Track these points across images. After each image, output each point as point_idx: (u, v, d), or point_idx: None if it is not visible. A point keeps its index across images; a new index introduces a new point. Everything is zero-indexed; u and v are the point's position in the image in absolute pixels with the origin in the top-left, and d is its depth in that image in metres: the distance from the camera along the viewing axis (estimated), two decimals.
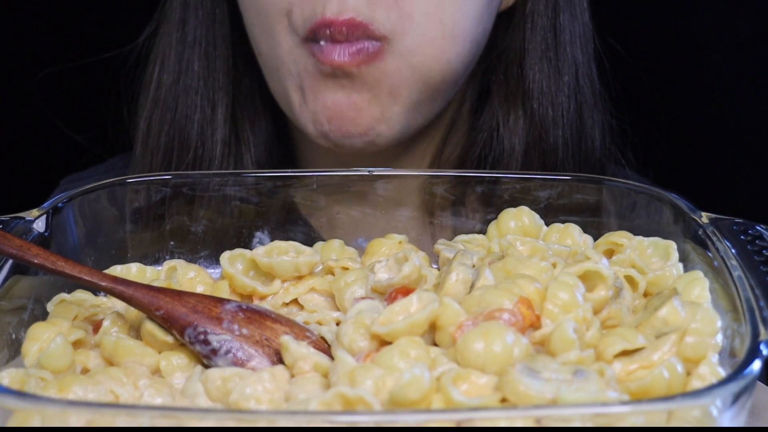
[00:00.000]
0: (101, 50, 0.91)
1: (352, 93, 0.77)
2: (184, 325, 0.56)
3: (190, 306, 0.57)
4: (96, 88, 0.92)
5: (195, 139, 0.86)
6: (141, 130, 0.89)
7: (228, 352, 0.55)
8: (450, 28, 0.77)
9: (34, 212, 0.64)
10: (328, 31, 0.75)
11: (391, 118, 0.79)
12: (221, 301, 0.58)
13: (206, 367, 0.55)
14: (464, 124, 0.89)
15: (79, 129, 0.95)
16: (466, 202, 0.75)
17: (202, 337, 0.56)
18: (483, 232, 0.68)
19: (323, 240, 0.69)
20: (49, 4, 1.22)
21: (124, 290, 0.57)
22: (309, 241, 0.67)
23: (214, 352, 0.55)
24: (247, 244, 0.73)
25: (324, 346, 0.57)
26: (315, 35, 0.76)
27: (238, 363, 0.55)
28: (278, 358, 0.55)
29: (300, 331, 0.57)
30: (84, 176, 0.99)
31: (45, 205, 0.65)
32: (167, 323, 0.56)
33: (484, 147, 0.86)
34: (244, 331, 0.56)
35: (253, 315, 0.57)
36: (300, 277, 0.63)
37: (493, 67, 0.86)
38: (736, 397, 0.47)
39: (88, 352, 0.58)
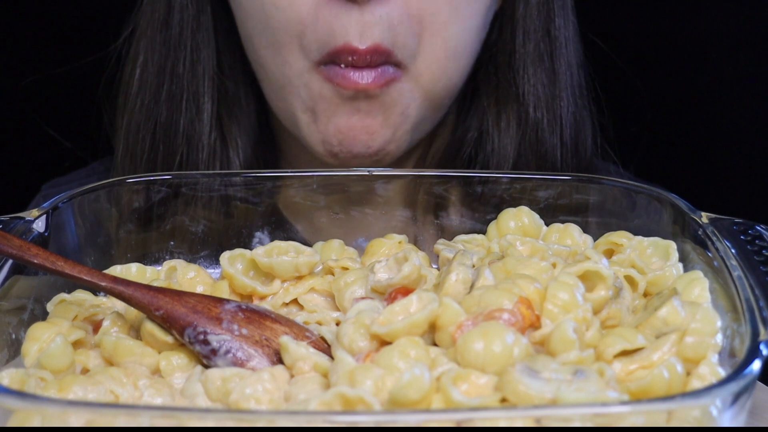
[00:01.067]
0: (82, 54, 0.91)
1: (367, 117, 0.78)
2: (183, 325, 0.56)
3: (189, 306, 0.57)
4: (77, 92, 0.91)
5: (180, 143, 0.85)
6: (123, 134, 0.87)
7: (228, 352, 0.55)
8: (453, 46, 0.78)
9: (34, 212, 0.64)
10: (350, 58, 0.75)
11: (400, 138, 0.80)
12: (221, 301, 0.58)
13: (206, 367, 0.55)
14: (450, 124, 0.89)
15: (60, 133, 0.95)
16: (465, 202, 0.75)
17: (201, 337, 0.56)
18: (483, 232, 0.68)
19: (323, 240, 0.69)
20: (26, 9, 1.22)
21: (123, 290, 0.57)
22: (308, 241, 0.67)
23: (214, 352, 0.55)
24: (247, 244, 0.73)
25: (324, 346, 0.57)
26: (333, 60, 0.76)
27: (238, 363, 0.55)
28: (278, 358, 0.55)
29: (299, 331, 0.57)
30: (65, 181, 0.98)
31: (45, 205, 0.65)
32: (167, 323, 0.56)
33: (473, 146, 0.86)
34: (244, 331, 0.56)
35: (252, 315, 0.57)
36: (300, 277, 0.63)
37: (483, 68, 0.86)
38: (736, 397, 0.47)
39: (88, 352, 0.58)
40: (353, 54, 0.75)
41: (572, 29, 0.86)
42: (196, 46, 0.85)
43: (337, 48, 0.75)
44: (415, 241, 0.75)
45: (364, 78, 0.75)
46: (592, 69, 0.89)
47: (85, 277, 0.57)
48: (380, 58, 0.75)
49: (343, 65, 0.76)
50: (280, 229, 0.75)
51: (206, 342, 0.55)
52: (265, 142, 0.90)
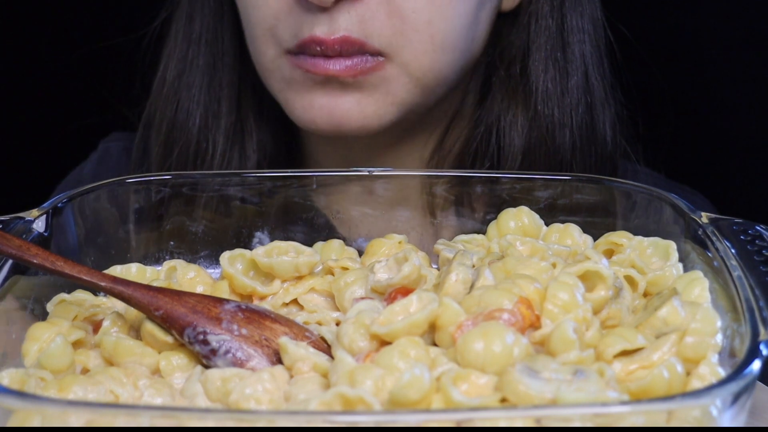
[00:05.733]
0: (104, 38, 0.92)
1: (342, 96, 0.78)
2: (183, 325, 0.56)
3: (189, 306, 0.57)
4: (99, 79, 0.92)
5: (196, 133, 0.87)
6: (142, 122, 0.90)
7: (227, 352, 0.55)
8: (440, 41, 0.78)
9: (34, 212, 0.64)
10: (318, 48, 0.76)
11: (383, 115, 0.80)
12: (220, 301, 0.58)
13: (206, 367, 0.55)
14: (467, 117, 0.89)
15: (80, 118, 0.95)
16: (466, 202, 0.75)
17: (201, 337, 0.56)
18: (483, 232, 0.68)
19: (323, 240, 0.69)
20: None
21: (123, 290, 0.57)
22: (309, 241, 0.67)
23: (214, 352, 0.55)
24: (247, 244, 0.73)
25: (324, 346, 0.57)
26: (303, 50, 0.77)
27: (238, 363, 0.55)
28: (277, 358, 0.55)
29: (299, 331, 0.57)
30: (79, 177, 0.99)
31: (45, 205, 0.65)
32: (166, 323, 0.56)
33: (482, 141, 0.86)
34: (244, 331, 0.56)
35: (252, 315, 0.57)
36: (300, 277, 0.63)
37: (495, 63, 0.86)
38: (736, 397, 0.47)
39: (88, 352, 0.58)
40: (320, 44, 0.76)
41: (590, 24, 0.86)
42: (219, 38, 0.87)
43: (304, 39, 0.76)
44: (416, 242, 0.75)
45: (336, 65, 0.76)
46: (622, 63, 0.88)
47: (84, 277, 0.57)
48: (352, 47, 0.76)
49: (311, 55, 0.77)
50: (281, 228, 0.75)
51: (206, 342, 0.55)
52: (286, 128, 0.91)
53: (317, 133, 0.81)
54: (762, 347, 0.49)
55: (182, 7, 0.89)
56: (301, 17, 0.76)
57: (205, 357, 0.56)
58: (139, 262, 0.67)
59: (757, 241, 0.59)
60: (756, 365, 0.48)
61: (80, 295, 0.62)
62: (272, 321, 0.57)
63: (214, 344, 0.55)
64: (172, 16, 0.90)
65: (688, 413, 0.46)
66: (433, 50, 0.78)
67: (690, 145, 1.15)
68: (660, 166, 0.95)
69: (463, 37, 0.80)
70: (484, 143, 0.86)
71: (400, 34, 0.77)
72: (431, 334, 0.54)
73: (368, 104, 0.79)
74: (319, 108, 0.79)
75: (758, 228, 0.61)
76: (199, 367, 0.55)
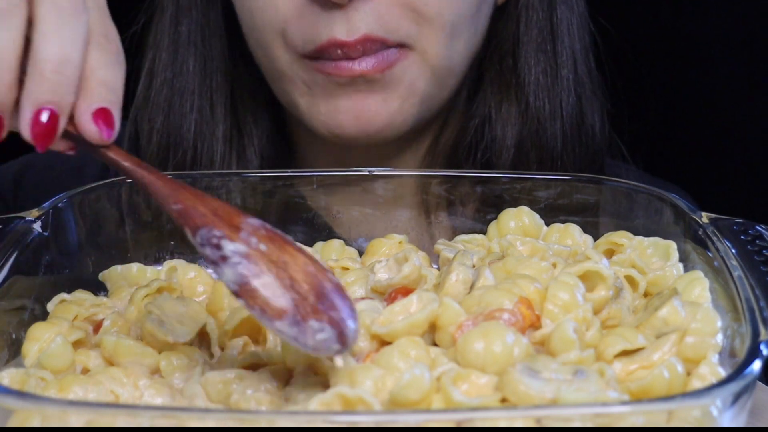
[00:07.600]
0: None
1: (368, 96, 0.78)
2: (199, 224, 0.52)
3: (210, 207, 0.52)
4: None
5: (192, 138, 0.85)
6: (127, 128, 0.88)
7: (238, 263, 0.50)
8: (450, 29, 0.78)
9: (34, 212, 0.64)
10: (339, 51, 0.75)
11: (408, 110, 0.79)
12: (245, 214, 0.53)
13: (206, 365, 0.55)
14: (460, 111, 0.89)
15: None
16: (466, 202, 0.75)
17: (215, 240, 0.51)
18: (483, 232, 0.68)
19: (323, 240, 0.69)
20: None
21: (145, 174, 0.53)
22: (309, 241, 0.67)
23: (224, 258, 0.51)
24: None
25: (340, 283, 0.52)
26: (322, 54, 0.76)
27: (245, 277, 0.50)
28: (291, 284, 0.51)
29: (320, 270, 0.52)
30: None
31: (45, 205, 0.65)
32: (181, 219, 0.52)
33: (475, 134, 0.86)
34: (262, 246, 0.51)
35: (275, 236, 0.53)
36: None
37: (488, 57, 0.86)
38: (737, 397, 0.47)
39: (88, 352, 0.58)
40: (342, 47, 0.75)
41: (577, 17, 0.86)
42: (207, 42, 0.86)
43: (322, 44, 0.75)
44: (416, 242, 0.75)
45: (362, 65, 0.76)
46: (604, 58, 0.89)
47: (110, 154, 0.53)
48: (374, 45, 0.75)
49: (333, 59, 0.76)
50: (281, 228, 0.75)
51: (219, 247, 0.51)
52: (281, 130, 0.90)
53: (343, 138, 0.79)
54: (762, 347, 0.49)
55: (166, 10, 0.86)
56: (313, 19, 0.75)
57: (213, 263, 0.51)
58: (140, 262, 0.67)
59: (757, 241, 0.59)
60: (756, 365, 0.48)
61: (80, 295, 0.62)
62: (295, 249, 0.53)
63: (227, 251, 0.51)
64: (152, 19, 0.87)
65: (689, 413, 0.46)
66: (446, 37, 0.78)
67: (689, 147, 1.15)
68: (640, 161, 0.94)
69: (469, 25, 0.80)
70: (477, 136, 0.86)
71: (415, 25, 0.77)
72: (431, 334, 0.54)
73: (393, 101, 0.78)
74: (345, 111, 0.78)
75: (758, 228, 0.61)
76: (199, 368, 0.55)
